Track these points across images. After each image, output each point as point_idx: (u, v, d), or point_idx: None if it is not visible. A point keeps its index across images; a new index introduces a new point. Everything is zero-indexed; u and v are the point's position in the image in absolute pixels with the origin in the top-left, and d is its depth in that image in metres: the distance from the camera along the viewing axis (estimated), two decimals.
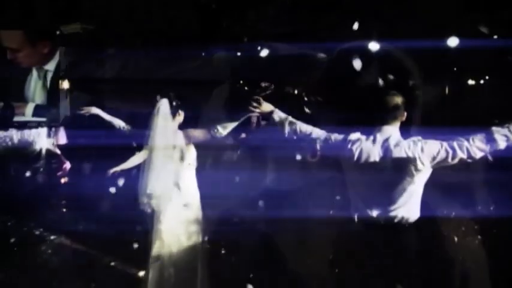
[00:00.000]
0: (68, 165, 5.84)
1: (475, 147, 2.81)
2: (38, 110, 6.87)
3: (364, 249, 3.00)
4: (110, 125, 4.02)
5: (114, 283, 4.55)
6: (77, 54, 6.74)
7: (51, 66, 6.87)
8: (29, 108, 6.89)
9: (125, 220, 4.04)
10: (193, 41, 5.51)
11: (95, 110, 4.03)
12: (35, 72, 6.93)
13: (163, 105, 3.63)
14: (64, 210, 5.95)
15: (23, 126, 5.81)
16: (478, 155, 2.83)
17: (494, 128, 2.82)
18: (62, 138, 6.47)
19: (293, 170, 4.33)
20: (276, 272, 4.53)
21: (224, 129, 3.61)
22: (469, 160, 2.86)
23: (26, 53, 6.69)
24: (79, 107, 4.11)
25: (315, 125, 3.16)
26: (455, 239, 4.85)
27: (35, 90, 6.97)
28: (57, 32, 6.76)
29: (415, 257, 2.99)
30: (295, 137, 3.12)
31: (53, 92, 6.86)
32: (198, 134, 3.72)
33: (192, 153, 3.79)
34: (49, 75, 6.90)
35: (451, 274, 4.04)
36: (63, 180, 5.85)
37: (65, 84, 6.75)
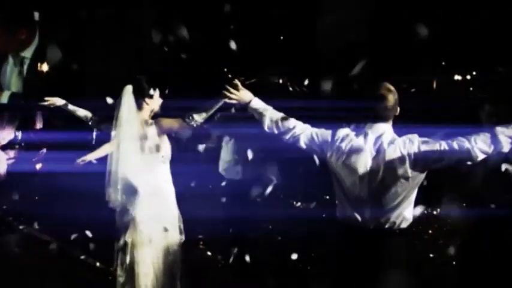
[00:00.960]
0: (44, 150, 5.75)
1: (477, 148, 2.57)
2: (13, 98, 6.74)
3: (350, 255, 2.76)
4: (76, 116, 3.81)
5: (84, 277, 4.47)
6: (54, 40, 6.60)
7: (28, 53, 6.76)
8: (5, 96, 6.79)
9: (94, 215, 3.80)
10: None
11: (60, 102, 3.79)
12: (11, 60, 6.83)
13: (128, 92, 3.40)
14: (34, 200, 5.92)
15: None
16: (480, 157, 2.59)
17: (498, 128, 2.58)
18: (39, 123, 6.34)
19: (275, 167, 4.15)
20: (258, 271, 4.46)
21: (200, 117, 3.38)
22: (468, 162, 2.63)
23: (2, 39, 6.57)
24: (43, 99, 3.85)
25: (299, 118, 2.92)
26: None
27: (11, 77, 6.86)
28: (35, 18, 6.64)
29: (404, 265, 2.74)
30: (276, 131, 2.88)
31: (29, 80, 6.74)
32: (172, 123, 3.46)
33: (165, 145, 3.51)
34: (26, 63, 6.79)
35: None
36: (38, 167, 5.74)
37: (42, 72, 6.63)
